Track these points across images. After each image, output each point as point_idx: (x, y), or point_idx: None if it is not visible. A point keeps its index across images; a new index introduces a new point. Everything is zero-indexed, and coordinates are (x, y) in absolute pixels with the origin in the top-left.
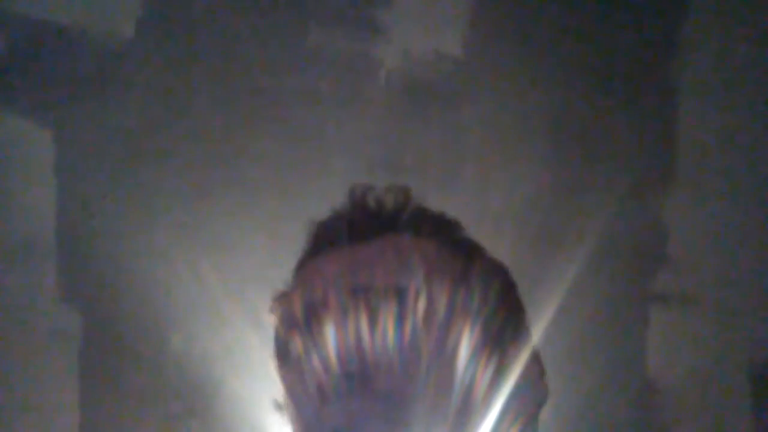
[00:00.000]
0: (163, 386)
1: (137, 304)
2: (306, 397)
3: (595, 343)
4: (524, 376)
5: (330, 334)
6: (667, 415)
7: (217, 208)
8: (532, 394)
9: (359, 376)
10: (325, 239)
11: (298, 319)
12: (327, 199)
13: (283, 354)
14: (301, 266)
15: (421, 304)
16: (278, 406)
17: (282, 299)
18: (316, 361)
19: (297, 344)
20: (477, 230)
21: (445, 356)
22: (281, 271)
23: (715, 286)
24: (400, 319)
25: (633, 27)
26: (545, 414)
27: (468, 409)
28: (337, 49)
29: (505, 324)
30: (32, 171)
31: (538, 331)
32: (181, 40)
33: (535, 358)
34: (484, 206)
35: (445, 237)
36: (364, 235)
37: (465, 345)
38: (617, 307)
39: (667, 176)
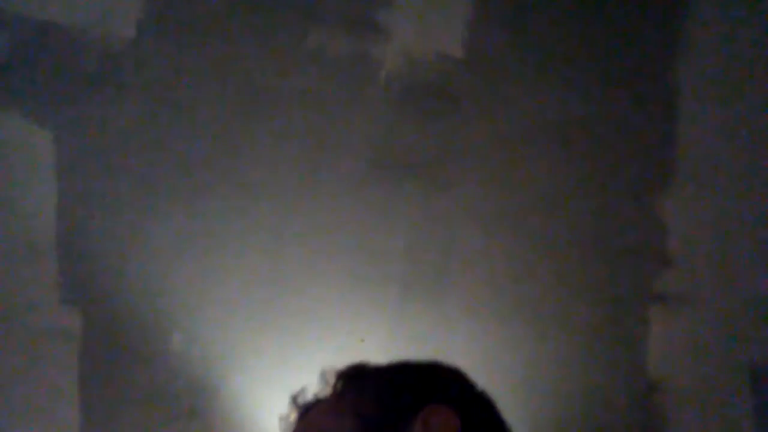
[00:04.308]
0: (163, 386)
1: (137, 304)
2: None
3: (595, 343)
4: None
5: None
6: (667, 415)
7: (217, 208)
8: None
9: None
10: None
11: None
12: (327, 199)
13: None
14: None
15: None
16: None
17: None
18: None
19: None
20: (477, 230)
21: None
22: (281, 271)
23: (715, 286)
24: None
25: (633, 27)
26: (546, 414)
27: None
28: (337, 50)
29: None
30: (32, 171)
31: (538, 331)
32: (181, 40)
33: None
34: (484, 206)
35: None
36: None
37: None
38: (617, 307)
39: (667, 176)
